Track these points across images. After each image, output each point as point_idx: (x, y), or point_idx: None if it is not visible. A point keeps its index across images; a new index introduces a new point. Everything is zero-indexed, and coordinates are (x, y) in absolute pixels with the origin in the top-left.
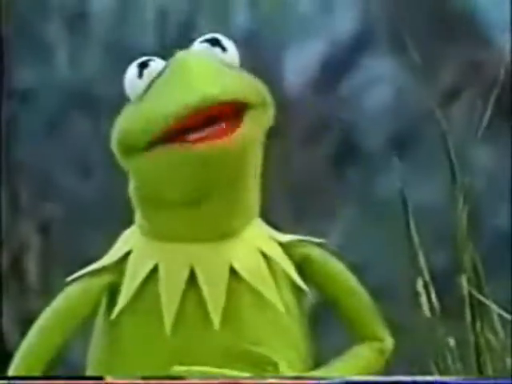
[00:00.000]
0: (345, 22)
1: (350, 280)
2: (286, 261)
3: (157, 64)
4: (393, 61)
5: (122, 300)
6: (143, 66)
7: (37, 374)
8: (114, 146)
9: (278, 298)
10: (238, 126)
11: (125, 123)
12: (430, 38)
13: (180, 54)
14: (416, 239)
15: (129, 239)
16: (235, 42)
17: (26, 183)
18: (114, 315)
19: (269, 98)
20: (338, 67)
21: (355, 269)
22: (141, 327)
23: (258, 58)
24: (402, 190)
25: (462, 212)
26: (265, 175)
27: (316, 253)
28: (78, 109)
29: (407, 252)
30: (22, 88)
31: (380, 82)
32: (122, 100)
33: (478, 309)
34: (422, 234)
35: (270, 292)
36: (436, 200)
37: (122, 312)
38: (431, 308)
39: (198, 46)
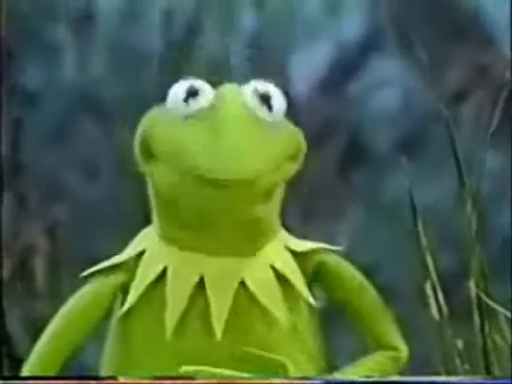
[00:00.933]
0: (352, 24)
1: (366, 288)
2: (298, 275)
3: (205, 97)
4: (400, 63)
5: (130, 299)
6: (192, 93)
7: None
8: (136, 144)
9: (284, 315)
10: None
11: (154, 128)
12: (437, 40)
13: (224, 107)
14: (424, 241)
15: (145, 238)
16: (242, 43)
17: (33, 185)
18: (120, 314)
19: (303, 151)
20: (345, 69)
21: (363, 271)
22: (147, 328)
23: (265, 59)
24: (410, 191)
25: (470, 215)
26: None
27: (332, 261)
28: (85, 111)
29: (415, 254)
30: (29, 90)
31: (387, 84)
32: (129, 102)
33: (486, 311)
34: (430, 236)
35: (277, 308)
36: (444, 202)
37: (131, 312)
38: (439, 310)
39: (249, 96)
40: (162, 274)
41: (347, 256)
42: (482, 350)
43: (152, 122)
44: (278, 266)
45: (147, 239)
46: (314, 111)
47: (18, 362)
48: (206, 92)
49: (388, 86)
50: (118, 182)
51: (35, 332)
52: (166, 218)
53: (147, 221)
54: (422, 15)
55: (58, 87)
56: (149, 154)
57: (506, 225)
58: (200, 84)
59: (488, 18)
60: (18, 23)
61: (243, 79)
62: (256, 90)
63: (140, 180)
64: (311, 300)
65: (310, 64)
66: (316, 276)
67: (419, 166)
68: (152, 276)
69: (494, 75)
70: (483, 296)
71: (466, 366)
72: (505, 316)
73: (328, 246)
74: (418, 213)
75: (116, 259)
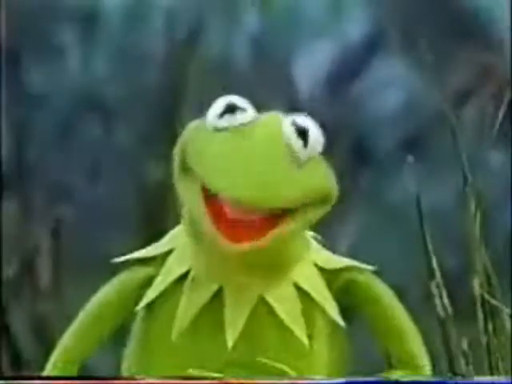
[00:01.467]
0: (355, 25)
1: (395, 306)
2: (324, 293)
3: (243, 115)
4: (404, 63)
5: (149, 296)
6: (230, 109)
7: (75, 370)
8: (174, 156)
9: (302, 331)
10: (274, 227)
11: (189, 141)
12: (441, 40)
13: (259, 128)
14: (429, 241)
15: (176, 237)
16: (246, 44)
17: (37, 186)
18: (140, 310)
19: (333, 194)
20: (348, 70)
21: None
22: (162, 327)
23: (269, 60)
24: (416, 192)
25: (474, 215)
26: None
27: (362, 280)
28: (89, 112)
29: (420, 254)
30: (34, 91)
31: (391, 85)
32: (132, 102)
33: (490, 310)
34: (435, 236)
35: (295, 324)
36: (448, 203)
37: (150, 309)
38: (444, 309)
39: (287, 126)
40: (186, 275)
41: (352, 257)
42: (486, 349)
43: (188, 134)
44: (302, 283)
45: (178, 238)
46: (318, 111)
47: (20, 361)
48: (247, 111)
49: (392, 87)
50: (122, 182)
51: (38, 331)
52: (191, 238)
53: (148, 221)
54: (426, 16)
55: (63, 88)
56: (184, 166)
57: (510, 224)
58: (242, 102)
59: (492, 18)
60: (22, 24)
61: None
62: (295, 123)
63: (140, 180)
64: (338, 318)
65: (313, 64)
66: (344, 294)
67: (423, 166)
68: (174, 277)
69: (498, 76)
70: (487, 295)
71: (470, 365)
72: (509, 315)
73: (358, 264)
74: (422, 213)
75: (147, 252)
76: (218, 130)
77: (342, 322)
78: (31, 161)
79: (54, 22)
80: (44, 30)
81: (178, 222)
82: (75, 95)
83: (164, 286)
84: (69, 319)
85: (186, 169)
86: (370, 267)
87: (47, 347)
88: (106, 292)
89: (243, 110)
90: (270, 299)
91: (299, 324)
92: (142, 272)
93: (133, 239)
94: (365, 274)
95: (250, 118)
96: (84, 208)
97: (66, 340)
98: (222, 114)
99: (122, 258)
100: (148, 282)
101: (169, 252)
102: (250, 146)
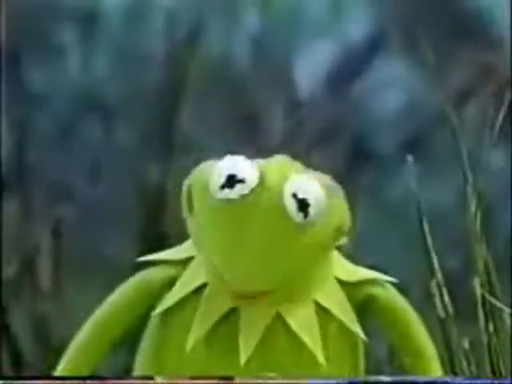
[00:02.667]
0: (356, 24)
1: (413, 322)
2: (345, 307)
3: (242, 187)
4: (405, 63)
5: (165, 303)
6: (231, 181)
7: (89, 369)
8: (183, 192)
9: (320, 350)
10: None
11: (195, 187)
12: (442, 40)
13: (258, 204)
14: (429, 241)
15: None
16: (246, 44)
17: (37, 186)
18: (155, 314)
19: (344, 230)
20: (349, 70)
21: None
22: (177, 336)
23: (269, 60)
24: (416, 192)
25: (474, 214)
26: None
27: (383, 295)
28: (89, 112)
29: (421, 254)
30: (34, 91)
31: (392, 85)
32: (132, 102)
33: (491, 310)
34: (436, 236)
35: (314, 346)
36: (449, 202)
37: (167, 314)
38: (444, 309)
39: (288, 197)
40: (203, 286)
41: (353, 256)
42: (487, 348)
43: (196, 178)
44: (322, 300)
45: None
46: (319, 111)
47: (20, 361)
48: (246, 182)
49: (392, 87)
50: (122, 183)
51: (38, 331)
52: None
53: (148, 221)
54: (426, 16)
55: (64, 88)
56: (191, 205)
57: (510, 224)
58: (243, 169)
59: (493, 18)
60: (22, 24)
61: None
62: (295, 195)
63: (140, 180)
64: (360, 332)
65: (313, 64)
66: (365, 308)
67: (424, 166)
68: (191, 287)
69: (499, 75)
70: (488, 295)
71: (472, 365)
72: (509, 314)
73: (379, 276)
74: (423, 213)
75: (169, 255)
76: (220, 201)
77: (363, 336)
78: (31, 161)
79: (54, 21)
80: (44, 29)
81: (177, 223)
82: (75, 95)
83: (181, 295)
84: (69, 319)
85: (193, 208)
86: (390, 279)
87: (47, 347)
88: (125, 291)
89: (243, 181)
90: (287, 317)
91: (316, 342)
92: (162, 273)
93: (132, 239)
94: (385, 288)
95: (250, 188)
96: (84, 208)
97: (82, 338)
98: (223, 186)
99: (146, 258)
100: (168, 284)
101: (190, 258)
102: (249, 221)
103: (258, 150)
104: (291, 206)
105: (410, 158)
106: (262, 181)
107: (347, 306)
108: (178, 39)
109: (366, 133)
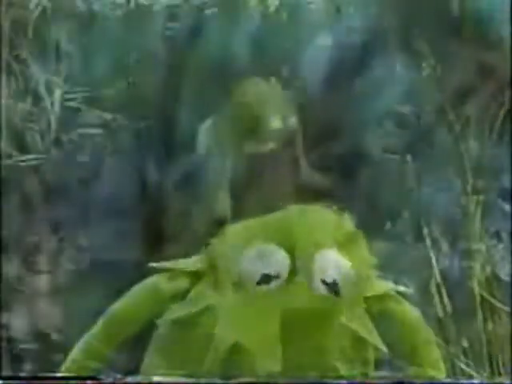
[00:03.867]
0: (355, 24)
1: (425, 335)
2: (368, 326)
3: (277, 281)
4: (404, 63)
5: (175, 312)
6: (272, 277)
7: (92, 370)
8: (221, 269)
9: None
10: None
11: (222, 260)
12: (442, 40)
13: (290, 301)
14: (428, 241)
15: None
16: (246, 44)
17: (38, 186)
18: (161, 322)
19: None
20: (348, 68)
21: None
22: (191, 347)
23: (269, 59)
24: (415, 192)
25: (474, 214)
26: (274, 177)
27: (398, 311)
28: (89, 111)
29: (420, 253)
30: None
31: (391, 84)
32: (132, 102)
33: (490, 309)
34: (435, 235)
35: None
36: (448, 202)
37: (181, 321)
38: (443, 308)
39: (317, 288)
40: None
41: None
42: (486, 347)
43: (223, 260)
44: (349, 323)
45: None
46: (317, 110)
47: (20, 361)
48: (280, 278)
49: (392, 86)
50: (122, 182)
51: (38, 331)
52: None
53: (148, 222)
54: (426, 16)
55: (62, 87)
56: (216, 280)
57: (510, 224)
58: (276, 266)
59: (493, 17)
60: (22, 24)
61: None
62: (324, 281)
63: (140, 180)
64: (382, 347)
65: (313, 64)
66: (380, 321)
67: (423, 165)
68: (204, 304)
69: (500, 75)
70: (486, 295)
71: (471, 364)
72: (507, 314)
73: (394, 288)
74: (422, 212)
75: (184, 264)
76: (257, 294)
77: (385, 349)
78: (31, 161)
79: (54, 22)
80: (44, 29)
81: (177, 223)
82: (75, 95)
83: (195, 309)
84: (69, 319)
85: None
86: (404, 289)
87: (47, 347)
88: (137, 300)
89: (277, 277)
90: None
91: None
92: (175, 285)
93: (132, 240)
94: (399, 303)
95: (284, 279)
96: (84, 208)
97: (91, 338)
98: (267, 282)
99: (159, 265)
100: (181, 296)
101: (201, 271)
102: (280, 323)
103: (257, 150)
104: (322, 290)
105: (408, 158)
106: (292, 271)
107: (370, 324)
108: (177, 39)
109: (365, 132)
